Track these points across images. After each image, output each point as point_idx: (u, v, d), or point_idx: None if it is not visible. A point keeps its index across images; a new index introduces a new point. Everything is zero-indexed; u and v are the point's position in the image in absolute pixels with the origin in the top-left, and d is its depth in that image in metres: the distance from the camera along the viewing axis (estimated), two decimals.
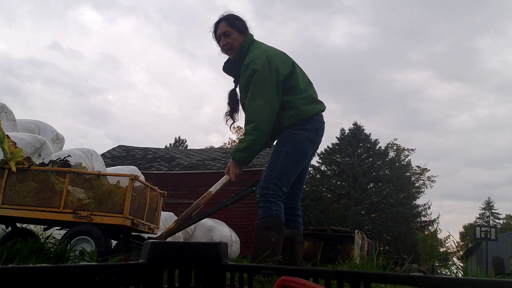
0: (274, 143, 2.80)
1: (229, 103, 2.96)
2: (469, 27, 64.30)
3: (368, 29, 57.88)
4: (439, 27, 61.17)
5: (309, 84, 2.79)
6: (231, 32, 2.76)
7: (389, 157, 32.99)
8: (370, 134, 32.39)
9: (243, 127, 2.71)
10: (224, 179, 2.77)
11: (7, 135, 3.75)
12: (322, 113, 2.78)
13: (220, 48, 2.87)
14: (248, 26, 2.85)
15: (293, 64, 2.73)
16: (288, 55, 2.81)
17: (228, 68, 2.84)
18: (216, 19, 2.86)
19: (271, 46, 2.79)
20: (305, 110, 2.65)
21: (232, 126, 3.00)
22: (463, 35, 64.13)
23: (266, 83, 2.57)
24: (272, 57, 2.63)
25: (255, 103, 2.57)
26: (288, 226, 2.70)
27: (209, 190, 2.77)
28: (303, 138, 2.63)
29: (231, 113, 2.96)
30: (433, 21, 61.08)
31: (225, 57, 2.92)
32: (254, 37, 2.84)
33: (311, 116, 2.66)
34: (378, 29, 58.86)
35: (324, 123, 2.78)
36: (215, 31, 2.84)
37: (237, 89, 2.93)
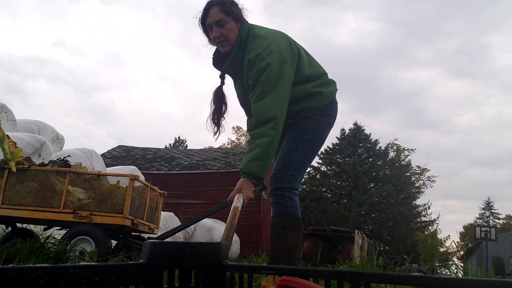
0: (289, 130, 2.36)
1: (215, 104, 2.42)
2: (480, 23, 63.13)
3: (377, 25, 56.87)
4: (450, 23, 60.17)
5: (315, 61, 2.45)
6: (226, 20, 2.22)
7: (389, 157, 33.00)
8: (370, 134, 32.43)
9: (250, 132, 2.18)
10: (234, 209, 1.90)
11: (7, 135, 3.75)
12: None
13: (208, 39, 2.33)
14: (243, 10, 2.32)
15: (299, 48, 2.35)
16: (288, 35, 2.37)
17: (229, 65, 2.31)
18: (204, 2, 2.27)
19: (270, 30, 2.35)
20: (326, 96, 2.35)
21: (218, 135, 2.44)
22: (474, 31, 62.89)
23: (279, 77, 2.15)
24: (280, 44, 2.23)
25: (269, 99, 2.12)
26: None
27: (235, 206, 1.94)
28: (324, 124, 2.36)
29: (217, 117, 2.41)
30: (444, 17, 60.13)
31: (211, 49, 2.39)
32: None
33: (332, 101, 2.39)
34: (387, 25, 57.90)
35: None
36: (203, 19, 2.27)
37: (224, 88, 2.45)
